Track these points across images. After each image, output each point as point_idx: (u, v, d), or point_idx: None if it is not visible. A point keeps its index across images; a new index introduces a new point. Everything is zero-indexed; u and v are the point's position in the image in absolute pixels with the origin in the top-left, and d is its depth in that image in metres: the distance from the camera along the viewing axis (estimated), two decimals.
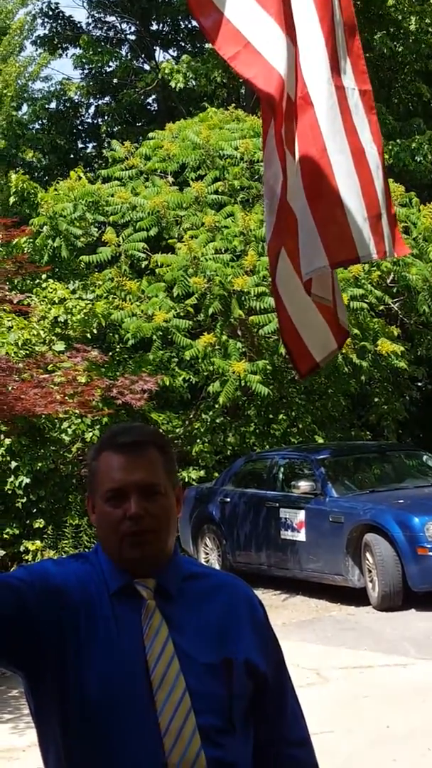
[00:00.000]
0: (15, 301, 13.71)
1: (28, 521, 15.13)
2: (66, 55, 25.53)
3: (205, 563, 14.98)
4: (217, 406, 15.84)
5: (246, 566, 14.58)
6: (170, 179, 16.84)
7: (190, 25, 25.21)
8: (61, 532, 14.99)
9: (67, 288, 16.25)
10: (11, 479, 14.85)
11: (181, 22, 25.58)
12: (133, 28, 25.66)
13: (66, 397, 11.96)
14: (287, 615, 12.70)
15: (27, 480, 14.86)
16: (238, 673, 2.51)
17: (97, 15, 25.71)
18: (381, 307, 16.31)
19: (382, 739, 7.80)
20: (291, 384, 17.66)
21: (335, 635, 11.44)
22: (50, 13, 25.26)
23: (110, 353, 16.47)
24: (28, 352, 14.82)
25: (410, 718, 8.27)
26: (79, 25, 25.50)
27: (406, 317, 17.35)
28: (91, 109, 25.95)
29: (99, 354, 15.03)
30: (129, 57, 25.30)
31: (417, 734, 7.84)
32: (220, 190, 16.21)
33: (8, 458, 14.81)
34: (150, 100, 25.62)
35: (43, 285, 16.05)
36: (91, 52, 23.76)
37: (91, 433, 15.20)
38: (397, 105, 22.06)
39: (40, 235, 16.35)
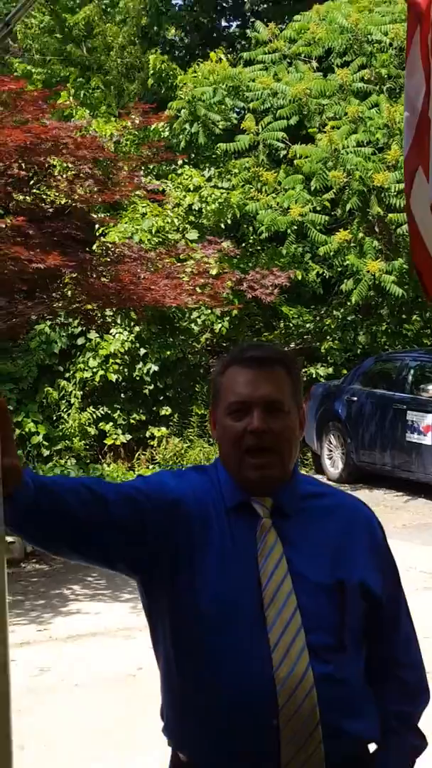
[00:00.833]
0: (150, 188, 13.58)
1: (154, 408, 15.29)
2: None
3: (330, 465, 14.99)
4: (349, 303, 15.55)
5: (369, 466, 14.50)
6: (314, 65, 16.27)
7: None
8: (187, 421, 15.10)
9: (203, 175, 16.03)
10: (140, 366, 14.98)
11: None
12: None
13: (197, 288, 11.88)
14: (408, 517, 12.62)
15: (155, 367, 14.98)
16: (351, 594, 2.51)
17: None
18: None
19: None
20: None
21: None
22: None
23: (243, 245, 16.28)
24: (161, 239, 14.74)
25: None
26: None
27: None
28: None
29: (230, 246, 14.84)
30: None
31: None
32: (365, 79, 15.59)
33: (137, 345, 14.91)
34: None
35: (179, 171, 15.86)
36: None
37: (220, 325, 15.15)
38: None
39: (178, 119, 16.05)
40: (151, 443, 14.93)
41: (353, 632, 2.52)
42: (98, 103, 16.20)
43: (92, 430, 14.74)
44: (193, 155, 16.44)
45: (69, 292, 10.17)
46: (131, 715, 5.82)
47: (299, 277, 15.51)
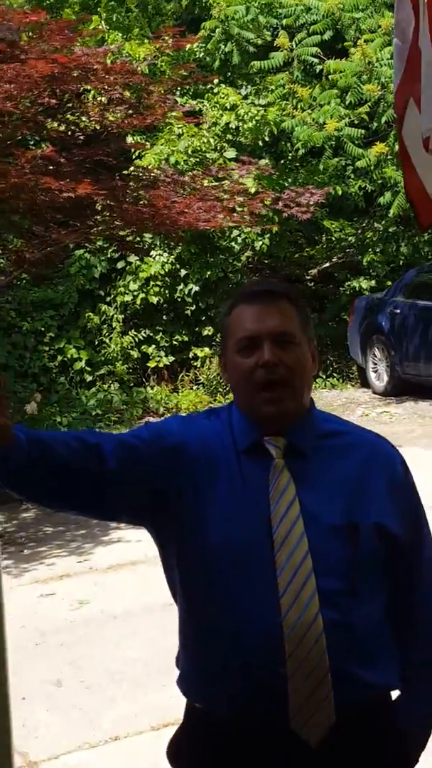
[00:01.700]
0: (185, 110, 13.58)
1: (197, 329, 15.39)
2: None
3: (375, 378, 15.07)
4: (389, 216, 15.52)
5: (414, 378, 14.56)
6: None
7: None
8: None
9: (239, 93, 15.98)
10: (181, 287, 15.07)
11: None
12: None
13: (236, 208, 11.94)
14: None
15: (196, 288, 15.06)
16: (365, 536, 2.45)
17: None
18: None
19: None
20: None
21: None
22: None
23: (282, 161, 16.24)
24: (198, 159, 14.75)
25: None
26: None
27: None
28: None
29: (267, 165, 14.83)
30: None
31: None
32: None
33: (178, 266, 14.98)
34: None
35: (215, 90, 15.82)
36: None
37: (260, 242, 15.18)
38: None
39: (212, 39, 15.99)
40: (195, 364, 15.06)
41: (369, 576, 2.47)
42: (132, 25, 16.12)
43: (135, 354, 14.86)
44: (228, 74, 16.38)
45: (103, 219, 10.25)
46: (170, 645, 6.18)
47: (339, 192, 15.48)
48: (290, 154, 16.15)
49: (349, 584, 2.43)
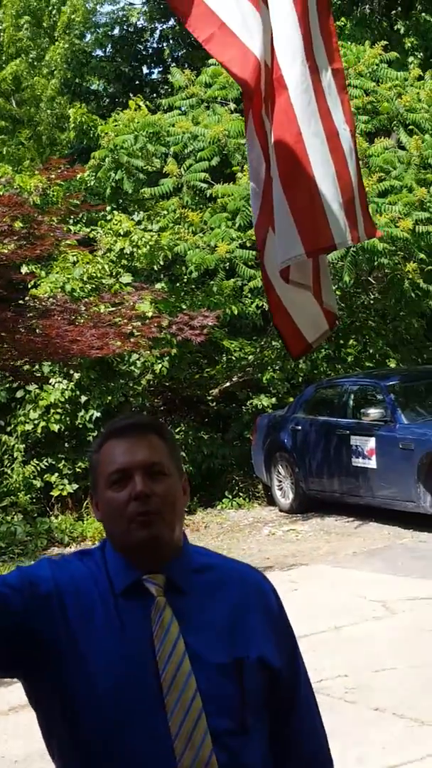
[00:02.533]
0: (79, 237, 13.70)
1: None
2: None
3: (281, 495, 15.05)
4: None
5: (319, 493, 14.62)
6: (231, 106, 16.58)
7: None
8: None
9: (132, 219, 16.20)
10: (82, 413, 15.01)
11: None
12: None
13: (132, 330, 11.99)
14: (359, 543, 12.70)
15: (97, 414, 15.01)
16: (249, 672, 2.42)
17: None
18: None
19: None
20: (362, 308, 17.47)
21: (406, 563, 11.40)
22: None
23: (178, 284, 16.43)
24: (94, 285, 14.84)
25: None
26: None
27: None
28: (156, 34, 25.57)
29: (163, 288, 14.99)
30: None
31: None
32: None
33: (78, 393, 14.95)
34: None
35: (108, 217, 16.02)
36: None
37: (160, 365, 15.25)
38: None
39: (102, 168, 16.27)
40: None
41: (256, 712, 2.43)
42: (22, 157, 16.37)
43: (38, 483, 14.70)
44: (120, 201, 16.63)
45: None
46: None
47: (235, 312, 15.67)
48: (185, 277, 16.36)
49: (239, 723, 2.39)
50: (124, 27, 25.20)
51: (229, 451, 16.14)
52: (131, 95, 20.45)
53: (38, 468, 14.81)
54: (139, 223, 16.31)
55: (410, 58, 18.71)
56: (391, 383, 13.95)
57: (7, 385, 14.65)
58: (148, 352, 14.58)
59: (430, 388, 14.50)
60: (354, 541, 12.88)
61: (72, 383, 14.84)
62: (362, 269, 15.88)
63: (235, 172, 15.70)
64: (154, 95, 22.43)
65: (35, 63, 23.21)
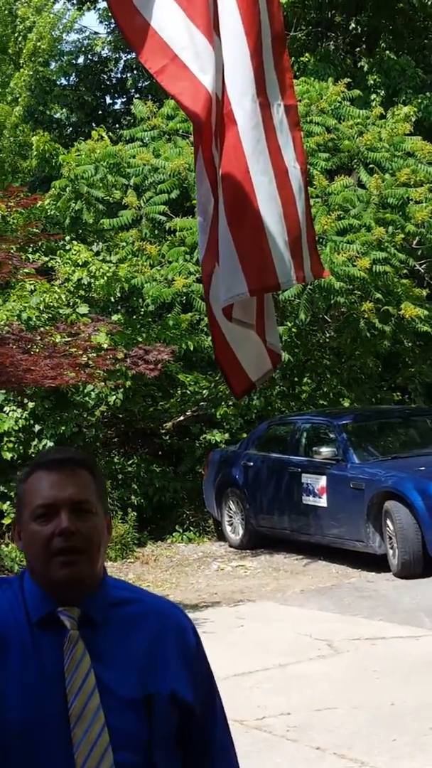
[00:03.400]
0: (37, 266, 13.66)
1: None
2: (94, 8, 25.24)
3: (231, 531, 15.03)
4: None
5: (269, 530, 14.61)
6: (192, 140, 16.65)
7: None
8: None
9: (91, 250, 16.19)
10: (35, 443, 14.92)
11: None
12: None
13: (88, 361, 11.96)
14: (307, 581, 12.70)
15: (51, 443, 14.92)
16: (160, 708, 2.42)
17: None
18: (405, 270, 16.07)
19: (386, 716, 7.77)
20: (317, 346, 17.54)
21: (352, 603, 11.42)
22: None
23: (134, 317, 16.43)
24: (51, 315, 14.81)
25: (418, 693, 8.24)
26: None
27: None
28: (120, 64, 25.66)
29: (119, 320, 14.97)
30: None
31: (422, 711, 7.79)
32: None
33: (32, 422, 14.87)
34: None
35: (67, 247, 16.01)
36: None
37: (114, 397, 15.20)
38: (427, 57, 21.59)
39: (62, 197, 16.28)
40: None
41: (165, 748, 2.44)
42: None
43: None
44: (80, 231, 16.62)
45: None
46: None
47: (191, 347, 15.69)
48: (142, 310, 16.36)
49: (146, 758, 2.39)
50: (89, 56, 25.29)
51: (180, 485, 16.11)
52: (94, 125, 20.59)
53: None
54: (98, 254, 16.30)
55: (373, 96, 18.89)
56: (344, 422, 13.99)
57: None
58: (103, 383, 14.55)
59: (382, 428, 14.58)
60: (302, 579, 12.88)
61: (26, 412, 14.76)
62: (318, 307, 15.95)
63: (194, 205, 15.73)
64: (117, 125, 22.52)
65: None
